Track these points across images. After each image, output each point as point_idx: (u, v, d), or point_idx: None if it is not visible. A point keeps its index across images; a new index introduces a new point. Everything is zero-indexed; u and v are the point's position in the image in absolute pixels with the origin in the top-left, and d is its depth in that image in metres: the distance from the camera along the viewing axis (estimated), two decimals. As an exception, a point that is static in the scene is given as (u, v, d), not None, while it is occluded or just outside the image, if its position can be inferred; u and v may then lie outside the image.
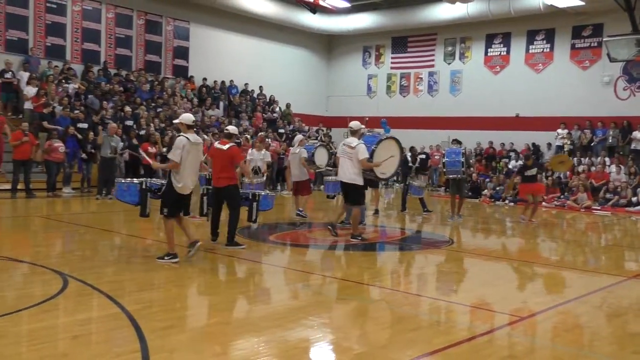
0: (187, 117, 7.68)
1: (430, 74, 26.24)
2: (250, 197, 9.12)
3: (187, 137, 7.43)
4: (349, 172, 9.60)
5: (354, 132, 9.83)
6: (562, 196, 18.75)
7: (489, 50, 24.64)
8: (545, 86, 22.79)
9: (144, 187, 8.21)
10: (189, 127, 7.55)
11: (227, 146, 8.50)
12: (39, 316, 5.09)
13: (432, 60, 26.14)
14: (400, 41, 26.93)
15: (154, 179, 9.14)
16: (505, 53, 24.20)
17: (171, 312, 5.52)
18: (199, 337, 4.73)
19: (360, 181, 9.65)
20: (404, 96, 27.04)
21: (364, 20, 26.27)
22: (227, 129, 9.08)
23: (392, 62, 27.33)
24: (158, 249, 8.69)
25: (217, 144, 8.76)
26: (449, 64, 25.72)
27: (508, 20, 23.07)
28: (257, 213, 9.16)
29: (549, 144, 22.02)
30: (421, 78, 26.52)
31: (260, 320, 5.33)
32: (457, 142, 14.05)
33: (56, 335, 4.72)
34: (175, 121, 8.17)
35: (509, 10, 22.25)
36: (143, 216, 8.42)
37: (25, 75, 17.37)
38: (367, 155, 9.53)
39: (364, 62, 28.30)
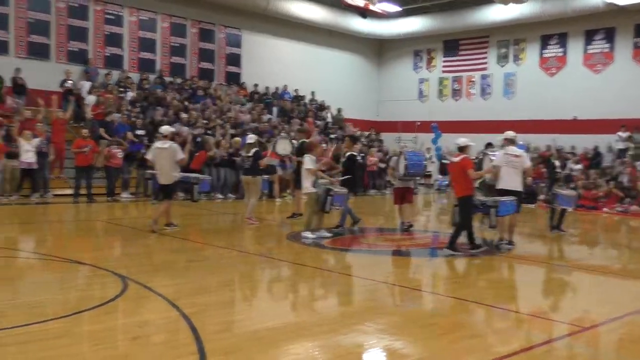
0: None
1: (483, 77, 25.79)
2: (488, 205, 9.38)
3: None
4: (513, 180, 9.72)
5: (513, 142, 9.94)
6: (625, 201, 18.03)
7: (544, 51, 24.02)
8: (604, 87, 22.02)
9: None
10: None
11: (458, 158, 9.00)
12: (100, 317, 5.25)
13: (485, 63, 25.69)
14: (452, 44, 26.57)
15: None
16: (561, 54, 23.53)
17: (226, 316, 5.59)
18: (254, 341, 4.76)
19: (521, 188, 9.90)
20: (456, 100, 26.65)
21: (415, 24, 26.07)
22: (457, 142, 9.32)
23: (443, 66, 27.00)
24: (213, 252, 8.84)
25: (452, 158, 9.47)
26: (503, 66, 25.21)
27: (564, 20, 22.44)
28: (495, 219, 9.39)
29: (610, 147, 21.24)
30: (474, 81, 26.09)
31: (314, 325, 5.33)
32: (490, 146, 13.04)
33: (116, 336, 4.86)
34: None
35: (565, 10, 21.64)
36: None
37: (87, 85, 18.07)
38: (531, 164, 10.04)
39: (415, 66, 28.06)
